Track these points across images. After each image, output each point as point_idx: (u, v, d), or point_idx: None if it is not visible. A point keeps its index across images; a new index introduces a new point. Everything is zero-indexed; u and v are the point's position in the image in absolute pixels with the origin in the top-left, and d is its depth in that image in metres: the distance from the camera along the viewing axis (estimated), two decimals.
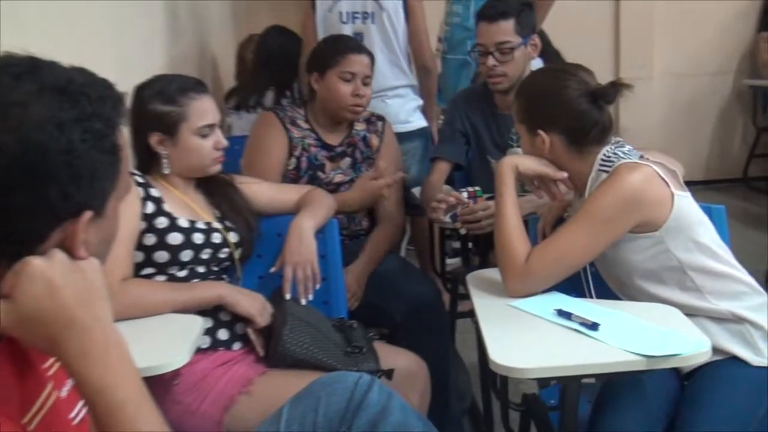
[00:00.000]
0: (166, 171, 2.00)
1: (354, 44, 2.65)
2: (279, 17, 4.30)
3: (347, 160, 2.67)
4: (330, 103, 2.59)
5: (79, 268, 0.96)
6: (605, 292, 1.92)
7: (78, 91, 0.94)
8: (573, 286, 1.87)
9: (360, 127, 2.72)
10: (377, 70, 2.73)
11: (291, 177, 2.56)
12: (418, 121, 3.31)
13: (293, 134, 2.59)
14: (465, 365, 2.92)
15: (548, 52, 3.56)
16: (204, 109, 2.00)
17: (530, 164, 1.88)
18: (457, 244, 3.41)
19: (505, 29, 2.56)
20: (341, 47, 2.61)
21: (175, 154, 1.99)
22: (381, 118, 2.77)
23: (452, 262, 3.51)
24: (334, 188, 2.57)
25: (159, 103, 1.96)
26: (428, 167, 3.08)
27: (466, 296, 3.17)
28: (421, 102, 3.34)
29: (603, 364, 1.49)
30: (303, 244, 2.05)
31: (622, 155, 1.83)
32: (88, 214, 0.96)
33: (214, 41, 4.50)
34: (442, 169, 2.75)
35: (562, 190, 1.93)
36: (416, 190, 2.94)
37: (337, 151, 2.65)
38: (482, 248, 2.87)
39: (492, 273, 1.95)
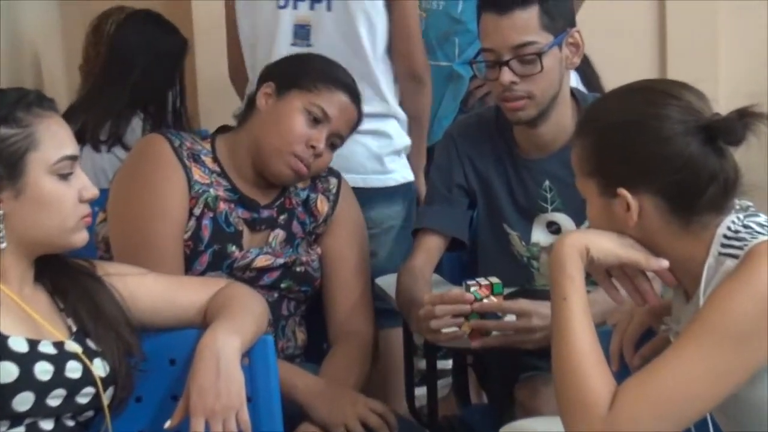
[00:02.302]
0: (2, 245, 1.96)
1: (353, 88, 2.74)
2: None
3: (279, 234, 2.69)
4: (267, 138, 2.63)
5: None
6: None
7: None
8: None
9: (301, 184, 2.77)
10: None
11: (184, 253, 2.58)
12: (402, 171, 3.27)
13: (193, 177, 2.60)
14: None
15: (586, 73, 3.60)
16: (61, 134, 2.02)
17: (609, 246, 1.87)
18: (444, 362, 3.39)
19: (526, 23, 2.53)
20: (333, 76, 2.71)
21: (17, 211, 1.97)
22: (335, 174, 2.84)
23: (422, 394, 3.45)
24: (253, 276, 2.61)
25: None
26: (409, 247, 3.03)
27: None
28: (407, 142, 3.29)
29: None
30: (222, 377, 2.01)
31: (757, 229, 1.83)
32: None
33: (33, 28, 4.41)
34: (432, 247, 2.74)
35: (657, 288, 1.92)
36: (383, 282, 2.89)
37: (263, 215, 2.67)
38: (490, 373, 2.85)
39: (542, 425, 1.99)
